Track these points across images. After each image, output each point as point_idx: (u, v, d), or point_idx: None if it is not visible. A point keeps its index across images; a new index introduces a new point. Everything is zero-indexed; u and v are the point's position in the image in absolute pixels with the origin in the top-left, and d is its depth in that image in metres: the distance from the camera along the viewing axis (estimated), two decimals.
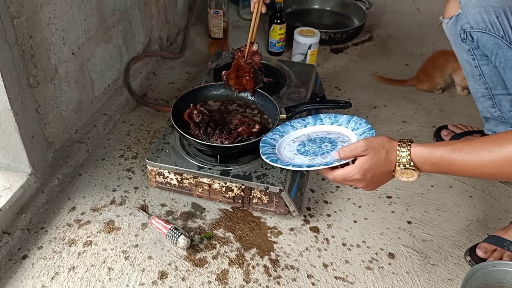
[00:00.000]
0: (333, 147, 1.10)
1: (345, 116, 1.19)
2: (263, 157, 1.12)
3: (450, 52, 1.49)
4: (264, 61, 1.67)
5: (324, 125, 1.19)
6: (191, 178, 1.29)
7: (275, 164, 1.08)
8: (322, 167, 1.00)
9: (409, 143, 0.92)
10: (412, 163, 0.92)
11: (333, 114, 1.21)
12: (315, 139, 1.16)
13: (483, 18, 1.14)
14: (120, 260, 1.17)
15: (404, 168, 0.93)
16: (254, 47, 1.35)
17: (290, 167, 1.05)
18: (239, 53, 1.36)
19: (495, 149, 0.85)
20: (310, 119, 1.22)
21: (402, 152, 0.92)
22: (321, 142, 1.14)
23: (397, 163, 0.93)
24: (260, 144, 1.18)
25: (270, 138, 1.20)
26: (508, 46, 1.13)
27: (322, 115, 1.21)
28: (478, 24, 1.15)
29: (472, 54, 1.23)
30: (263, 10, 1.34)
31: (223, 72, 1.41)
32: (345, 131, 1.16)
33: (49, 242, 1.21)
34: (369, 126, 1.11)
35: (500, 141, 0.86)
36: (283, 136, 1.20)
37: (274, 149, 1.16)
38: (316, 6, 2.41)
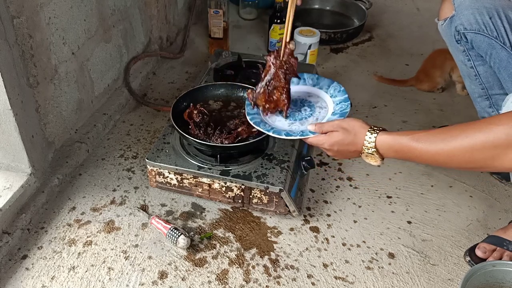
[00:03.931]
0: (311, 112, 1.20)
1: (326, 79, 1.27)
2: (248, 117, 1.19)
3: (448, 50, 1.49)
4: (264, 61, 1.67)
5: (307, 86, 1.27)
6: (191, 178, 1.29)
7: (257, 127, 1.16)
8: (298, 137, 1.11)
9: (378, 131, 0.99)
10: (375, 149, 0.99)
11: (316, 76, 1.29)
12: (296, 100, 1.24)
13: (476, 19, 1.15)
14: (120, 260, 1.17)
15: (369, 153, 1.01)
16: (291, 45, 1.14)
17: (270, 133, 1.13)
18: (272, 58, 1.16)
19: (447, 139, 0.90)
20: (305, 76, 1.28)
21: (369, 138, 1.00)
22: (301, 106, 1.23)
23: (364, 146, 1.01)
24: (246, 102, 1.22)
25: None
26: (502, 46, 1.13)
27: (306, 75, 1.29)
28: (471, 25, 1.16)
29: (467, 55, 1.24)
30: (299, 2, 1.17)
31: (248, 91, 1.21)
32: (324, 96, 1.25)
33: (49, 242, 1.21)
34: (346, 96, 1.21)
35: (453, 131, 0.90)
36: None
37: (259, 108, 1.21)
38: (316, 6, 2.41)
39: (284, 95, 1.16)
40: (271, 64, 1.16)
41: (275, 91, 1.16)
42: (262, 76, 1.18)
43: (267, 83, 1.16)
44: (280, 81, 1.15)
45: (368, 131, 1.00)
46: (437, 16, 1.30)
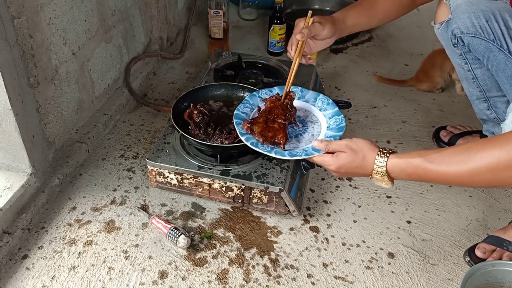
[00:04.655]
0: (304, 128, 1.17)
1: (310, 92, 1.24)
2: (242, 138, 1.11)
3: None
4: (264, 61, 1.67)
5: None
6: (191, 178, 1.29)
7: (256, 148, 1.08)
8: (303, 156, 1.06)
9: (388, 154, 0.97)
10: (386, 174, 0.97)
11: (299, 88, 1.25)
12: None
13: (473, 23, 1.14)
14: (121, 259, 1.18)
15: (379, 177, 0.98)
16: (293, 94, 1.20)
17: (272, 154, 1.07)
18: (273, 99, 1.19)
19: (465, 159, 0.88)
20: (277, 90, 1.23)
21: (379, 162, 0.97)
22: None
23: (374, 171, 0.98)
24: (235, 121, 1.15)
25: (242, 112, 1.19)
26: (499, 49, 1.13)
27: None
28: (468, 29, 1.15)
29: (465, 59, 1.23)
30: (304, 61, 1.21)
31: (244, 122, 1.14)
32: (313, 110, 1.22)
33: (50, 242, 1.21)
34: (336, 109, 1.18)
35: (469, 150, 0.88)
36: (253, 109, 1.21)
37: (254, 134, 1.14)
38: (316, 6, 2.41)
39: (282, 129, 1.12)
40: (272, 102, 1.17)
41: (274, 123, 1.13)
42: (261, 112, 1.17)
43: (267, 114, 1.14)
44: (280, 117, 1.13)
45: (378, 154, 0.97)
46: (434, 19, 1.30)
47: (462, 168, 0.88)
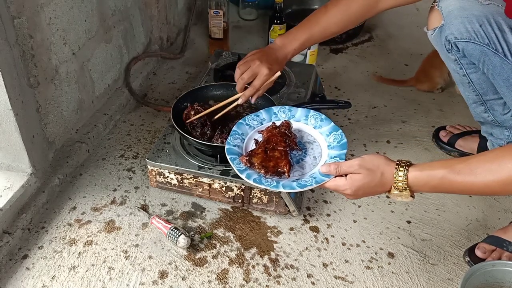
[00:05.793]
0: (304, 151, 1.09)
1: (299, 109, 1.16)
2: (242, 176, 1.00)
3: None
4: None
5: (281, 121, 1.13)
6: (191, 178, 1.29)
7: (260, 185, 0.99)
8: (314, 185, 0.98)
9: (407, 167, 0.93)
10: (407, 187, 0.93)
11: (287, 108, 1.17)
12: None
13: (466, 28, 1.13)
14: (121, 259, 1.18)
15: (398, 192, 0.94)
16: (290, 123, 1.13)
17: (280, 189, 0.99)
18: (270, 128, 1.12)
19: (495, 168, 0.86)
20: (264, 114, 1.16)
21: (399, 176, 0.92)
22: None
23: (394, 186, 0.94)
24: (229, 157, 1.04)
25: (233, 146, 1.08)
26: (494, 52, 1.12)
27: (275, 109, 1.16)
28: (462, 34, 1.14)
29: (459, 64, 1.22)
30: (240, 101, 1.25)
31: (241, 157, 1.05)
32: (306, 129, 1.13)
33: (50, 242, 1.21)
34: (332, 124, 1.10)
35: (499, 159, 0.86)
36: (244, 139, 1.12)
37: (255, 167, 1.05)
38: (316, 6, 2.40)
39: (284, 156, 1.05)
40: (269, 132, 1.10)
41: (275, 151, 1.05)
42: (259, 143, 1.09)
43: (265, 144, 1.07)
44: (280, 144, 1.06)
45: (396, 168, 0.93)
46: (426, 25, 1.29)
47: (493, 177, 0.86)
